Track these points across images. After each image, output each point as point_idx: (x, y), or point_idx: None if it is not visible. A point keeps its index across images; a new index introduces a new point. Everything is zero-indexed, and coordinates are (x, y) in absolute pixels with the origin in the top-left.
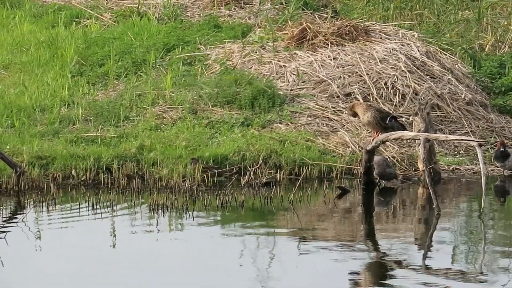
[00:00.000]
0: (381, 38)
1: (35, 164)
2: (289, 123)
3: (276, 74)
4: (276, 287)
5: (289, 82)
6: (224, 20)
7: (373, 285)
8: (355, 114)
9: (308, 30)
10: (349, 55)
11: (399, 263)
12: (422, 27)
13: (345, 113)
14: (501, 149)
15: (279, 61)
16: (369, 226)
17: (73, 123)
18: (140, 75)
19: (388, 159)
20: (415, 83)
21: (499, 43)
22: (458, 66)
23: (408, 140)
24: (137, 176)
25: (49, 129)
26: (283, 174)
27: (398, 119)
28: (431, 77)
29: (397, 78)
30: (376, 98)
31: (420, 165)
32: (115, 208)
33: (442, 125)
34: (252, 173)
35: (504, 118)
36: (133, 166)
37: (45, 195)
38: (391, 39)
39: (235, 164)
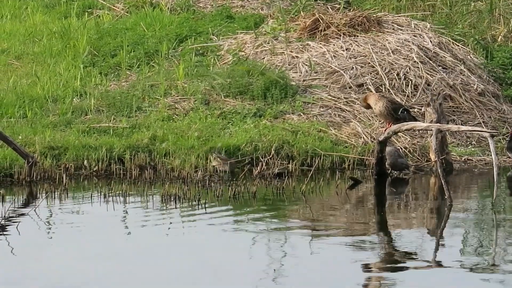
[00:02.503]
0: (393, 29)
1: (47, 155)
2: (301, 113)
3: (289, 64)
4: (287, 278)
5: (301, 72)
6: (237, 10)
7: (384, 276)
8: (368, 106)
9: (321, 20)
10: (361, 45)
11: (411, 254)
12: (434, 18)
13: (358, 104)
14: None
15: (291, 51)
16: (381, 217)
17: (85, 114)
18: (153, 65)
19: (400, 150)
20: (428, 74)
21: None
22: (471, 57)
23: (420, 131)
24: (149, 166)
25: (62, 119)
26: (295, 164)
27: (410, 112)
28: (443, 68)
29: (410, 69)
30: (388, 89)
31: (432, 156)
32: (127, 198)
33: (454, 115)
34: (264, 164)
35: None
36: (145, 157)
37: (57, 186)
38: (404, 30)
39: (247, 154)
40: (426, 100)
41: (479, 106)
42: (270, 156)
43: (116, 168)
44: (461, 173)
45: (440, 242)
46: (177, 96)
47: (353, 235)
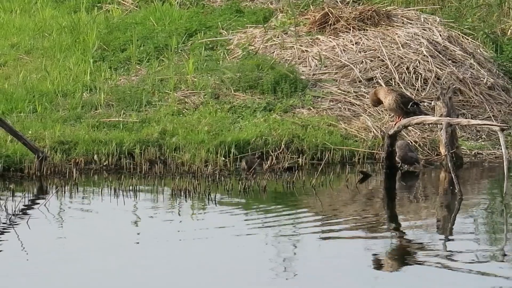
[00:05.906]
0: (403, 22)
1: (57, 149)
2: (311, 108)
3: (298, 59)
4: (298, 272)
5: (311, 67)
6: (246, 5)
7: (395, 270)
8: (378, 101)
9: (330, 14)
10: (371, 39)
11: (421, 248)
12: (444, 11)
13: (367, 98)
14: None
15: (301, 46)
16: (391, 211)
17: (95, 108)
18: (162, 60)
19: (410, 144)
20: (437, 67)
21: None
22: (480, 51)
23: (430, 125)
24: (159, 161)
25: (71, 114)
26: (305, 159)
27: (420, 106)
28: (453, 62)
29: (419, 62)
30: (398, 83)
31: (442, 150)
32: (137, 193)
33: (464, 109)
34: (274, 158)
35: None
36: (155, 151)
37: (67, 180)
38: (413, 23)
39: (257, 149)
40: (436, 94)
41: (489, 100)
42: (280, 150)
43: (126, 163)
44: (471, 167)
45: (450, 236)
46: (187, 91)
47: (363, 229)
